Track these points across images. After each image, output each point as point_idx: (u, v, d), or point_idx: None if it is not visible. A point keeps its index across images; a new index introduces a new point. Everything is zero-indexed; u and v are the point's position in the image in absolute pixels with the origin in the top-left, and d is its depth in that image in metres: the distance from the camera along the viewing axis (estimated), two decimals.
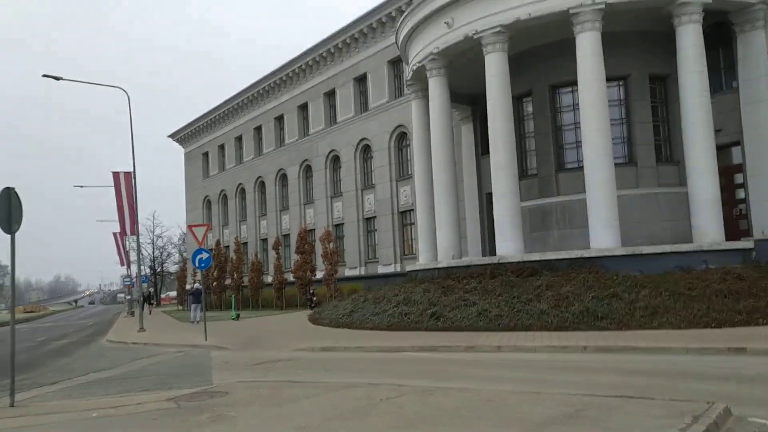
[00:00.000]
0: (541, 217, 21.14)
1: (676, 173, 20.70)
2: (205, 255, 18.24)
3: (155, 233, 69.63)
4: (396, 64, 33.48)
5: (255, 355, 14.77)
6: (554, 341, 12.86)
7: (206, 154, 54.29)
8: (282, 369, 12.10)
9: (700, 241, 17.46)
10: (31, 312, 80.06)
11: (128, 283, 48.79)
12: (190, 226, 18.57)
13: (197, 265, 18.16)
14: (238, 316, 27.71)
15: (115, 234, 45.56)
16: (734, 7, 18.54)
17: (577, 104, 20.91)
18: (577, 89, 20.77)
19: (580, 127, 20.75)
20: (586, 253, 17.63)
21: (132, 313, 44.39)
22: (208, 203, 54.13)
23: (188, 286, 43.40)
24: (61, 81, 23.01)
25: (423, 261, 23.87)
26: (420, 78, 23.71)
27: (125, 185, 26.33)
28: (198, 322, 27.47)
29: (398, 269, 32.29)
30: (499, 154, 19.54)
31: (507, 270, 18.08)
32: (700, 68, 17.94)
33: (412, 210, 31.96)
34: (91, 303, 55.99)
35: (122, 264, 47.46)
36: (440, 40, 21.14)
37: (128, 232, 26.71)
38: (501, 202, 19.45)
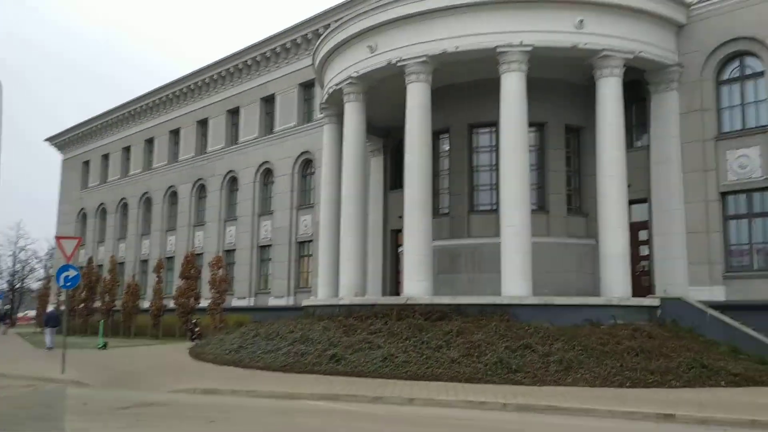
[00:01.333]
0: (450, 258, 20.27)
1: (584, 225, 20.63)
2: (72, 272, 15.71)
3: (18, 245, 63.25)
4: (308, 87, 32.15)
5: (123, 395, 12.54)
6: (470, 395, 11.72)
7: (87, 163, 49.98)
8: (154, 417, 10.06)
9: (608, 296, 17.18)
10: None
11: None
12: (58, 238, 15.95)
13: (62, 283, 15.61)
14: (105, 345, 24.67)
15: None
16: (651, 66, 18.87)
17: (495, 146, 20.58)
18: (495, 131, 20.48)
19: (496, 169, 20.43)
20: (498, 300, 16.83)
21: None
22: (83, 216, 49.60)
23: (51, 307, 38.94)
24: None
25: (322, 296, 22.28)
26: (335, 102, 22.49)
27: None
28: (52, 348, 24.73)
29: (291, 303, 30.38)
30: (414, 190, 18.55)
31: (415, 312, 16.90)
32: (618, 121, 17.98)
33: (312, 241, 30.38)
34: None
35: None
36: (361, 64, 20.10)
37: None
38: (412, 240, 18.39)
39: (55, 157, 54.23)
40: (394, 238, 27.22)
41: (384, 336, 15.95)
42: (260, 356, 16.83)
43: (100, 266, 42.95)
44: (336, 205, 23.03)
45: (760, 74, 17.75)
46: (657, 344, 14.53)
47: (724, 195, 18.04)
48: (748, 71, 18.14)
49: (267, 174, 33.81)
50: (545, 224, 19.85)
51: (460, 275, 20.19)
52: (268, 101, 34.26)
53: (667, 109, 18.97)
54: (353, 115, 20.82)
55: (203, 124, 38.58)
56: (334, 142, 23.59)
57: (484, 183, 20.84)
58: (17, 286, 65.27)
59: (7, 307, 57.45)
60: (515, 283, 17.03)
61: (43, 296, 46.90)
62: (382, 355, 14.84)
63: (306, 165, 31.84)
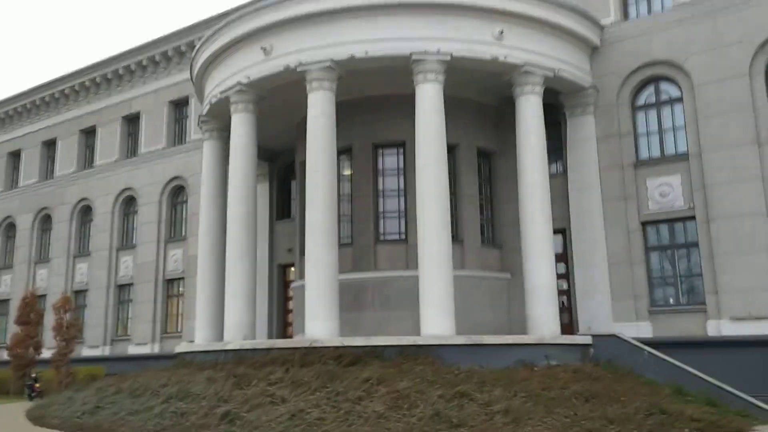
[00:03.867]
0: (353, 294, 17.68)
1: (499, 257, 19.08)
2: None
3: None
4: (179, 106, 28.66)
5: None
6: None
7: None
8: None
9: (536, 333, 15.47)
10: None
11: None
12: None
13: None
14: None
15: None
16: (569, 88, 17.92)
17: (403, 168, 18.66)
18: (403, 151, 18.67)
19: (404, 195, 18.47)
20: (419, 340, 14.50)
21: None
22: None
23: None
24: None
25: (201, 341, 18.74)
26: (218, 114, 19.52)
27: None
28: None
29: (157, 350, 26.15)
30: (317, 214, 15.92)
31: (323, 357, 14.12)
32: (540, 142, 16.69)
33: (183, 278, 26.53)
34: None
35: None
36: (253, 69, 17.40)
37: None
38: (315, 273, 15.68)
39: None
40: (281, 274, 24.29)
41: (288, 387, 13.00)
42: (125, 419, 13.18)
43: None
44: (217, 233, 19.86)
45: (678, 100, 17.27)
46: (603, 387, 12.88)
47: (644, 225, 17.19)
48: (665, 97, 17.64)
49: (129, 202, 29.51)
50: (459, 256, 17.89)
51: (365, 313, 17.68)
52: (132, 120, 30.22)
53: (584, 133, 18.02)
54: (242, 127, 17.93)
55: (50, 145, 33.49)
56: (216, 161, 20.53)
57: (391, 209, 18.67)
58: None
59: None
60: (437, 321, 14.84)
61: None
62: (289, 411, 11.89)
63: (177, 192, 28.07)
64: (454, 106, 17.63)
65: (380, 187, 18.86)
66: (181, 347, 19.29)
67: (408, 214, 18.12)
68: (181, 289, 26.67)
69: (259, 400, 12.55)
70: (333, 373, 13.30)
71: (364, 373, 13.12)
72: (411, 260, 17.31)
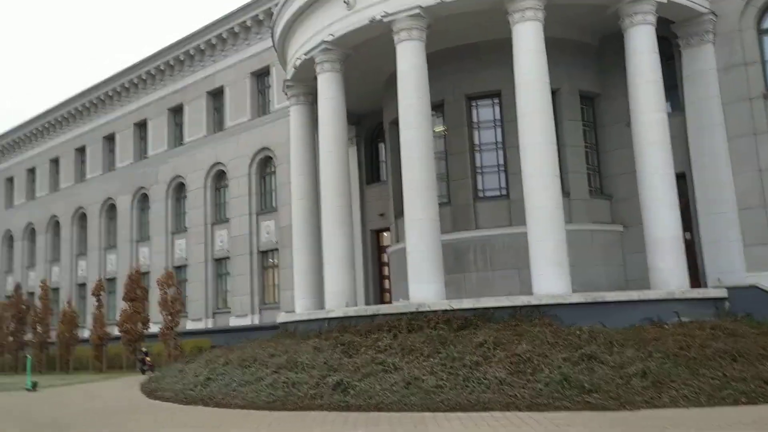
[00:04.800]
0: (454, 255, 16.83)
1: (609, 209, 17.65)
2: None
3: None
4: (261, 77, 28.43)
5: None
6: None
7: (11, 180, 44.53)
8: None
9: (663, 288, 14.12)
10: None
11: None
12: None
13: None
14: (35, 385, 20.15)
15: None
16: (680, 16, 16.08)
17: (499, 119, 17.43)
18: (499, 102, 17.36)
19: (502, 148, 17.32)
20: (534, 300, 13.52)
21: None
22: (9, 239, 44.07)
23: None
24: None
25: (301, 310, 18.53)
26: (303, 78, 18.93)
27: None
28: None
29: (256, 322, 26.43)
30: (415, 172, 15.11)
31: (430, 321, 13.43)
32: (656, 77, 15.05)
33: (277, 249, 26.56)
34: None
35: None
36: (336, 26, 16.64)
37: None
38: (416, 233, 14.93)
39: None
40: (374, 240, 23.78)
41: (398, 354, 12.41)
42: (237, 390, 12.97)
43: (31, 294, 37.75)
44: (310, 200, 19.47)
45: None
46: (750, 345, 11.44)
47: None
48: None
49: (219, 177, 29.76)
50: (566, 210, 16.49)
51: (467, 275, 16.86)
52: (216, 95, 30.32)
53: (702, 65, 16.16)
54: (330, 87, 17.27)
55: (141, 126, 34.22)
56: (304, 127, 20.03)
57: (489, 164, 17.58)
58: None
59: None
60: (550, 279, 13.79)
61: None
62: (403, 379, 11.28)
63: (265, 164, 28.00)
64: (552, 48, 16.14)
65: (476, 141, 17.78)
66: (283, 317, 19.16)
67: (508, 168, 17.03)
68: (275, 260, 26.70)
69: (370, 368, 12.00)
70: (444, 338, 12.59)
71: (477, 337, 12.33)
72: (515, 216, 16.30)
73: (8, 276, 42.97)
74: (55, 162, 40.43)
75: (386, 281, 23.34)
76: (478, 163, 17.62)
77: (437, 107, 18.07)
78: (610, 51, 17.56)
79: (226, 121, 29.53)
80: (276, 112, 26.92)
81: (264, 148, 27.54)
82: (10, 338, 33.43)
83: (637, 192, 15.21)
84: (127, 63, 33.98)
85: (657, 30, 15.66)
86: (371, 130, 24.24)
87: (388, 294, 22.90)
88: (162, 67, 32.11)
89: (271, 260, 27.25)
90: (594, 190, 17.72)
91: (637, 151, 15.04)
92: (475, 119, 17.85)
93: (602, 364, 10.88)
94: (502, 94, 17.21)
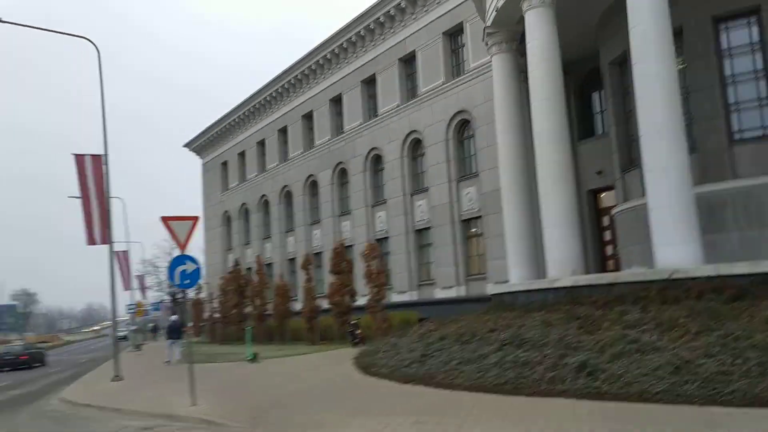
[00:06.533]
0: (707, 211, 13.87)
1: None
2: (190, 266, 11.39)
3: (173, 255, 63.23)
4: (454, 36, 26.83)
5: None
6: None
7: (225, 164, 48.00)
8: None
9: None
10: (43, 342, 74.21)
11: (132, 311, 42.32)
12: (165, 219, 11.62)
13: (178, 281, 11.41)
14: (255, 356, 20.78)
15: (118, 253, 38.60)
16: None
17: (758, 41, 13.98)
18: (757, 20, 13.93)
19: (764, 77, 13.88)
20: None
21: (138, 347, 37.99)
22: (227, 219, 47.69)
23: (174, 316, 36.51)
24: None
25: (516, 280, 16.79)
26: (505, 22, 17.05)
27: (93, 175, 19.24)
28: (170, 362, 22.84)
29: (462, 293, 25.19)
30: (656, 111, 12.48)
31: (689, 291, 10.94)
32: None
33: (480, 217, 24.97)
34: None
35: (125, 288, 40.66)
36: None
37: (97, 240, 19.69)
38: (661, 185, 12.34)
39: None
40: (592, 201, 21.22)
41: (652, 330, 10.14)
42: (458, 368, 11.61)
43: (249, 269, 40.33)
44: (518, 160, 17.64)
45: None
46: None
47: None
48: None
49: (416, 145, 28.82)
50: None
51: (725, 234, 13.82)
52: (408, 61, 29.33)
53: None
54: (540, 25, 15.09)
55: (337, 101, 34.44)
56: (508, 78, 18.10)
57: (747, 99, 14.26)
58: (179, 297, 65.51)
59: (151, 325, 57.55)
60: None
61: (197, 305, 45.30)
62: (669, 362, 9.02)
63: (462, 128, 26.46)
64: None
65: (727, 72, 14.52)
66: (495, 288, 17.57)
67: None
68: (479, 228, 25.16)
69: (620, 347, 9.88)
70: (715, 312, 10.06)
71: (763, 311, 9.63)
72: None
73: (228, 254, 46.52)
74: (261, 144, 42.61)
75: (607, 247, 20.73)
76: (731, 99, 14.38)
77: (674, 35, 15.06)
78: None
79: (419, 87, 28.45)
80: (471, 71, 25.21)
81: (460, 111, 25.99)
82: (233, 311, 35.92)
83: None
84: (319, 40, 34.05)
85: None
86: (580, 80, 21.65)
87: (610, 262, 20.31)
88: (353, 39, 31.85)
89: (473, 229, 25.77)
90: None
91: None
92: (724, 45, 14.57)
93: None
94: (762, 11, 13.82)
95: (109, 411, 12.45)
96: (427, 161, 27.79)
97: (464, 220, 25.98)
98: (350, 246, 30.89)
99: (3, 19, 16.15)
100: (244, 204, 44.74)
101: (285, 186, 39.29)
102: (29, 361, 34.50)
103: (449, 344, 13.11)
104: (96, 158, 18.87)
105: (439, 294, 26.32)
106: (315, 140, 36.34)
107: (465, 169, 26.34)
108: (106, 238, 19.17)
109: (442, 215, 26.66)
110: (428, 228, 27.71)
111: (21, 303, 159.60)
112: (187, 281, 11.55)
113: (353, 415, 9.61)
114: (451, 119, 26.47)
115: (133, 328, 44.39)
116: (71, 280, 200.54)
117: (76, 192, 19.41)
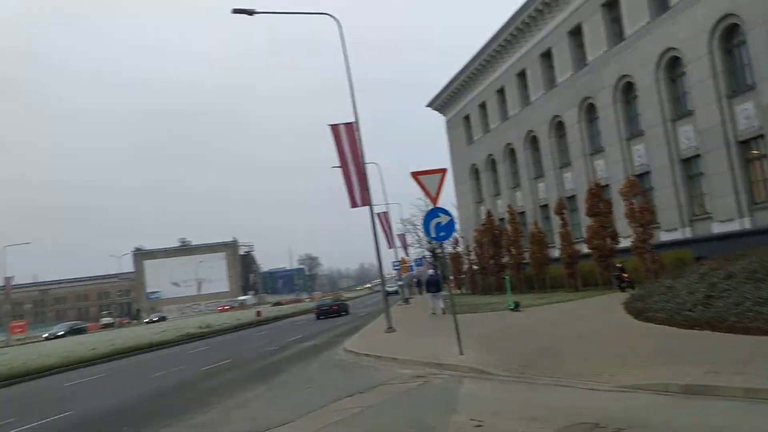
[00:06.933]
0: None
1: None
2: (443, 218, 11.42)
3: None
4: None
5: (548, 397, 7.52)
6: None
7: (467, 118, 48.14)
8: None
9: None
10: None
11: (398, 268, 45.18)
12: (414, 174, 11.78)
13: (433, 234, 11.51)
14: (517, 305, 20.61)
15: (379, 214, 41.43)
16: None
17: None
18: None
19: None
20: None
21: (406, 300, 40.55)
22: (475, 172, 48.00)
23: (431, 270, 37.67)
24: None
25: None
26: None
27: (348, 142, 20.58)
28: (434, 314, 23.68)
29: (747, 226, 22.01)
30: None
31: None
32: None
33: (761, 136, 21.43)
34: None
35: (389, 246, 43.61)
36: None
37: (358, 202, 21.08)
38: None
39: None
40: None
41: None
42: (754, 310, 10.03)
43: (501, 220, 40.28)
44: None
45: None
46: None
47: None
48: None
49: (672, 64, 25.62)
50: None
51: None
52: None
53: None
54: None
55: (576, 33, 32.09)
56: None
57: None
58: (438, 251, 68.38)
59: (416, 279, 60.36)
60: None
61: (455, 258, 46.71)
62: None
63: (728, 34, 22.78)
64: None
65: None
66: None
67: None
68: (761, 149, 21.59)
69: None
70: None
71: None
72: None
73: (479, 206, 46.91)
74: (501, 92, 41.76)
75: None
76: None
77: None
78: None
79: None
80: None
81: (727, 15, 22.33)
82: (490, 261, 36.27)
83: None
84: None
85: None
86: None
87: None
88: None
89: (755, 150, 22.20)
90: None
91: None
92: None
93: None
94: None
95: (386, 360, 13.28)
96: (689, 80, 24.54)
97: (741, 141, 22.50)
98: (606, 186, 28.89)
99: (255, 11, 17.81)
100: (490, 155, 44.55)
101: (530, 131, 38.10)
102: (338, 310, 42.51)
103: (739, 283, 11.42)
104: (348, 126, 20.19)
105: (717, 228, 23.31)
106: (556, 78, 34.45)
107: (738, 81, 22.68)
108: (366, 200, 20.52)
109: (713, 139, 23.42)
110: (697, 156, 24.61)
111: (306, 267, 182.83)
112: (442, 233, 11.65)
113: (632, 363, 8.81)
114: (714, 27, 22.89)
115: (400, 283, 47.40)
116: (346, 244, 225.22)
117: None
